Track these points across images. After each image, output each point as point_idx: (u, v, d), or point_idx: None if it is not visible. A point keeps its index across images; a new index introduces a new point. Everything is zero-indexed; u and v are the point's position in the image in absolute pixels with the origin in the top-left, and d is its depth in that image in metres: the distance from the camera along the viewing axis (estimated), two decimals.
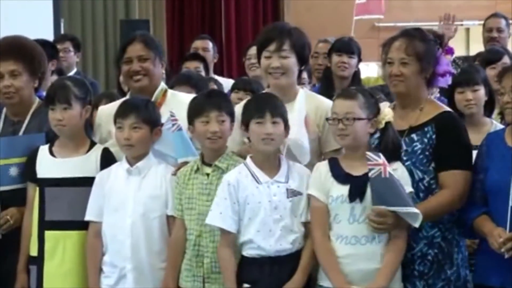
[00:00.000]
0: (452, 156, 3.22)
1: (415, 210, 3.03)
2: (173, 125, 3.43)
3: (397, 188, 3.04)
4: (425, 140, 3.23)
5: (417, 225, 3.05)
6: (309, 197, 3.16)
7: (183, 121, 3.40)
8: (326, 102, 3.49)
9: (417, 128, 3.25)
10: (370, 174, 3.01)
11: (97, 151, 3.53)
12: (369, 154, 3.03)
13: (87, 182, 3.43)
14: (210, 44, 6.28)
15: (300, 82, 3.71)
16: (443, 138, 3.23)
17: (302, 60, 3.46)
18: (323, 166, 3.18)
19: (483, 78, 4.12)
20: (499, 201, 3.11)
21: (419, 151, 3.22)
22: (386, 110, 3.17)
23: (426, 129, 3.24)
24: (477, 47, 5.63)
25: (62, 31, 7.89)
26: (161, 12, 9.03)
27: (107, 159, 3.50)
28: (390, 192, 3.01)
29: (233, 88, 4.77)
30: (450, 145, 3.22)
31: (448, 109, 3.44)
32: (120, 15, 8.98)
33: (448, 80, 3.45)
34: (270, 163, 3.19)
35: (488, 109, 4.12)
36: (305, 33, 3.54)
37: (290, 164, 3.23)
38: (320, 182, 3.13)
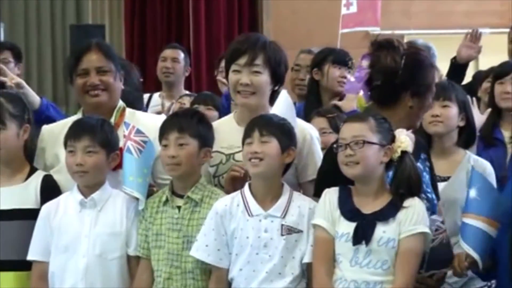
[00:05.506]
0: None
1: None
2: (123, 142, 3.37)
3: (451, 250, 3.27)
4: None
5: None
6: (314, 227, 3.11)
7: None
8: (304, 124, 3.52)
9: None
10: (434, 244, 3.13)
11: (37, 178, 3.50)
12: (438, 221, 3.15)
13: (26, 215, 3.42)
14: (181, 55, 6.30)
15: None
16: None
17: (277, 79, 3.42)
18: (332, 194, 3.14)
19: (460, 99, 4.07)
20: None
21: None
22: (403, 137, 3.10)
23: None
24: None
25: (2, 38, 7.87)
26: (119, 15, 9.01)
27: (49, 189, 3.46)
28: (444, 256, 3.19)
29: (193, 103, 4.94)
30: None
31: None
32: (70, 19, 8.98)
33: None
34: (269, 192, 3.19)
35: (464, 139, 4.10)
36: (282, 48, 3.48)
37: (294, 195, 3.21)
38: (328, 211, 3.10)
